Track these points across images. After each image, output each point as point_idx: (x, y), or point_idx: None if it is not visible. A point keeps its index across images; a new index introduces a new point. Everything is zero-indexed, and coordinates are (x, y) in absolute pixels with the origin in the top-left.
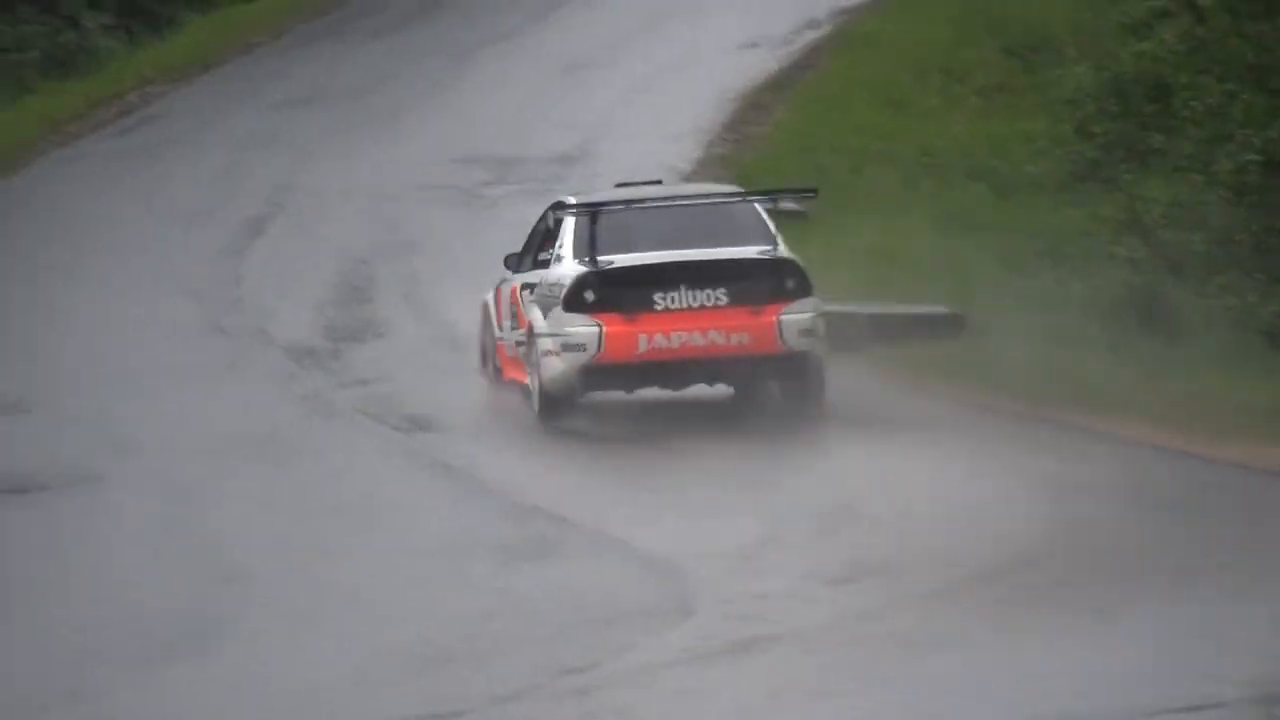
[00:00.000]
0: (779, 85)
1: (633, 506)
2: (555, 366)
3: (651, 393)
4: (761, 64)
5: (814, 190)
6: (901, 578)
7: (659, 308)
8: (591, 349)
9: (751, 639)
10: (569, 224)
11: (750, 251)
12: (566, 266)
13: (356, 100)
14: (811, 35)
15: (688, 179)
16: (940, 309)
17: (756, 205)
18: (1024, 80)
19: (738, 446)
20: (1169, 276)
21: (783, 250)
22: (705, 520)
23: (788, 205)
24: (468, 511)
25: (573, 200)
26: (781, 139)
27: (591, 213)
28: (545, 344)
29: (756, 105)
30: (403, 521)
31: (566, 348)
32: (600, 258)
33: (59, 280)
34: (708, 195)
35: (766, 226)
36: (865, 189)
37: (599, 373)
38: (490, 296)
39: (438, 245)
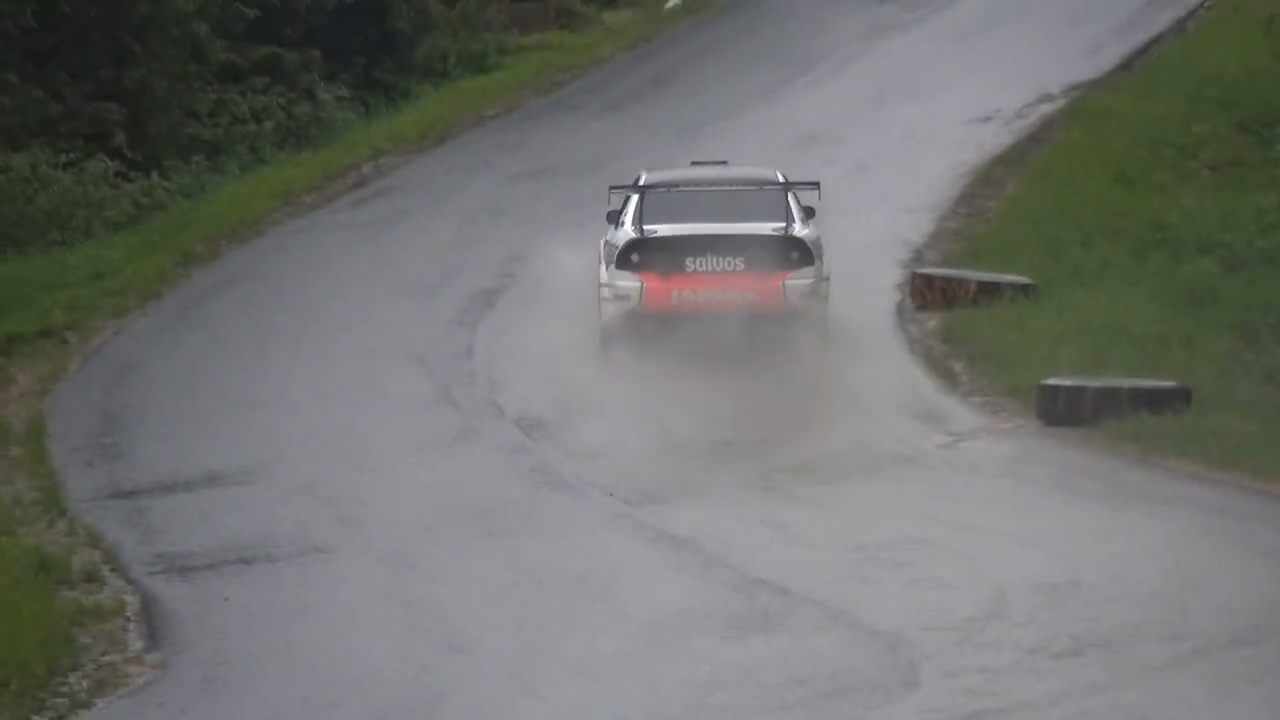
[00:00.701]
0: (1011, 159)
1: (858, 578)
2: (609, 310)
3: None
4: (994, 138)
5: (817, 183)
6: (1127, 651)
7: (689, 270)
8: (634, 300)
9: (978, 712)
10: (633, 198)
11: (766, 229)
12: (622, 232)
13: (587, 173)
14: (1044, 109)
15: (920, 253)
16: (1168, 383)
17: (781, 190)
18: (1256, 154)
19: (959, 515)
20: None
21: (795, 229)
22: (931, 592)
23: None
24: (694, 584)
25: (644, 178)
26: (1013, 212)
27: (643, 191)
28: (604, 292)
29: (988, 179)
30: (628, 593)
31: (617, 296)
32: (646, 227)
33: (289, 350)
34: (739, 180)
35: (787, 208)
36: (1096, 263)
37: (641, 318)
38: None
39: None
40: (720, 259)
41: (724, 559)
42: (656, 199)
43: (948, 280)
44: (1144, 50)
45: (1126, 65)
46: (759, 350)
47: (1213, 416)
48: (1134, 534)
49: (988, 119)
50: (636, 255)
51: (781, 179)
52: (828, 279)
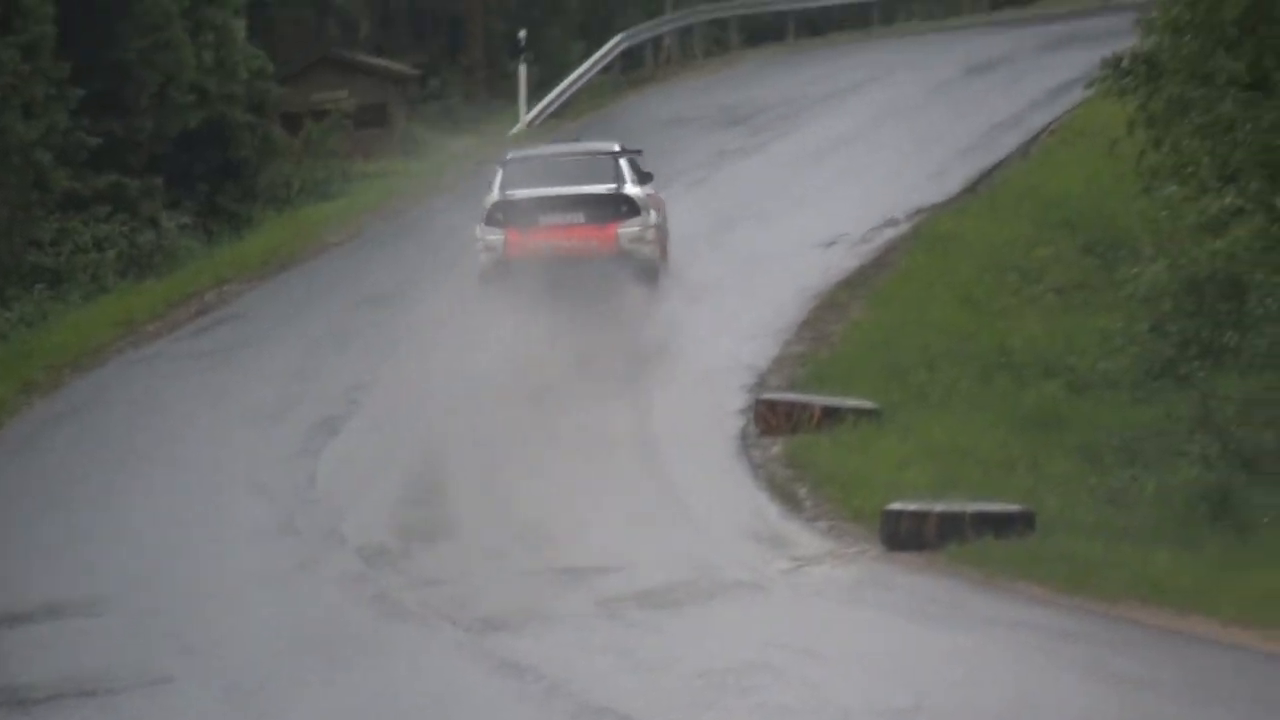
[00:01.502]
0: (856, 283)
1: (703, 705)
2: (481, 259)
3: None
4: (839, 262)
5: (639, 150)
6: None
7: (541, 223)
8: (499, 249)
9: None
10: (500, 169)
11: (601, 188)
12: (490, 197)
13: (432, 299)
14: (889, 233)
15: (764, 379)
16: (1013, 506)
17: (613, 158)
18: (1100, 277)
19: (803, 641)
20: (1241, 474)
21: (625, 189)
22: (776, 718)
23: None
24: (535, 713)
25: (509, 154)
26: (857, 337)
27: (505, 163)
28: (477, 245)
29: (833, 303)
30: None
31: (487, 248)
32: (508, 191)
33: (131, 480)
34: (582, 151)
35: (619, 172)
36: (940, 387)
37: (505, 264)
38: None
39: (512, 443)
40: (565, 214)
41: (566, 687)
42: (517, 169)
43: (791, 405)
44: (988, 174)
45: (971, 189)
46: (600, 294)
47: (1058, 539)
48: (979, 658)
49: (832, 243)
50: (500, 214)
51: (616, 149)
52: (654, 227)
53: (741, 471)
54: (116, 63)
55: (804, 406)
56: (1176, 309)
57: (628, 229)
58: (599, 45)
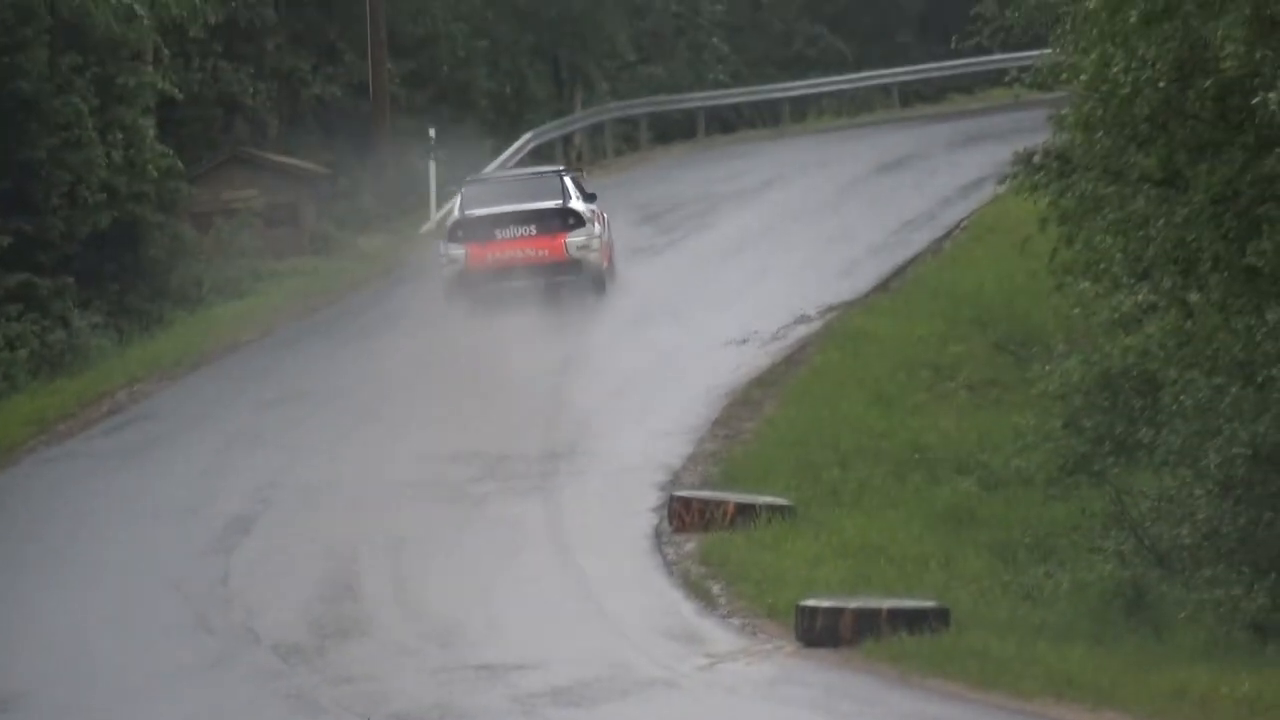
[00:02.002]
0: (768, 381)
1: None
2: (446, 272)
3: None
4: (751, 359)
5: (581, 169)
6: None
7: (498, 238)
8: (461, 263)
9: None
10: (460, 192)
11: (549, 204)
12: (453, 215)
13: (344, 398)
14: (801, 331)
15: (677, 476)
16: (927, 603)
17: (558, 176)
18: (1012, 374)
19: None
20: (1156, 570)
21: (571, 203)
22: None
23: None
24: None
25: (467, 178)
26: (770, 434)
27: (464, 185)
28: (442, 260)
29: (746, 401)
30: None
31: (450, 261)
32: (468, 211)
33: (44, 578)
34: (530, 174)
35: (565, 190)
36: (854, 484)
37: (468, 275)
38: None
39: (425, 541)
40: (519, 228)
41: None
42: (475, 191)
43: (705, 503)
44: (901, 271)
45: (883, 286)
46: (554, 303)
47: (972, 636)
48: None
49: (745, 340)
50: (461, 231)
51: (561, 169)
52: (599, 238)
53: (655, 569)
54: (26, 162)
55: (717, 504)
56: (1090, 405)
57: (575, 238)
58: (509, 143)
